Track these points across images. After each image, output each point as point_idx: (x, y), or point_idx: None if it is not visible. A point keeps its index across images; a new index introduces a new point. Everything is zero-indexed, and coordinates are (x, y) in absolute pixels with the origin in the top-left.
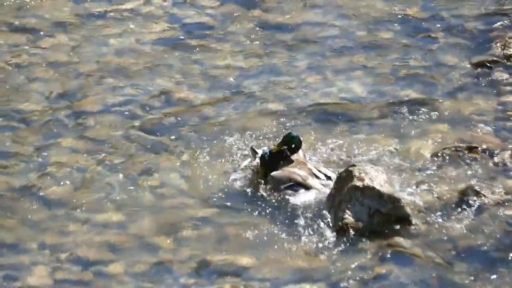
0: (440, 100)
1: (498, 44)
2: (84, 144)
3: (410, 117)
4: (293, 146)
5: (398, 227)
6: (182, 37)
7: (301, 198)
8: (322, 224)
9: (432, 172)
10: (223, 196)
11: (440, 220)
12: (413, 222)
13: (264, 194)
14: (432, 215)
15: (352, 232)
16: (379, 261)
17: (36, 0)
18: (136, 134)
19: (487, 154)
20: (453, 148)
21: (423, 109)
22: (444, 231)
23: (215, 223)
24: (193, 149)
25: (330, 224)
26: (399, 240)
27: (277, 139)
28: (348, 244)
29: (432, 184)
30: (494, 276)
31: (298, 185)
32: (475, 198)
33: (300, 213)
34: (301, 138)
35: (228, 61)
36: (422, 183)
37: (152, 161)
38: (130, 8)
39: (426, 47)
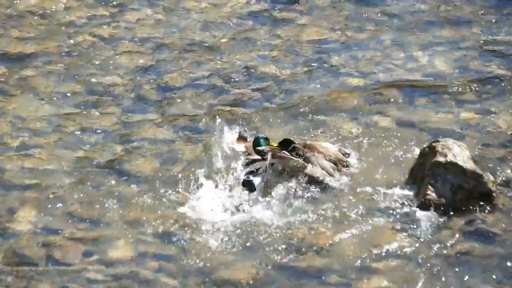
0: None
1: None
2: (168, 119)
3: (494, 93)
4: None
5: (481, 203)
6: (266, 11)
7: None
8: (405, 201)
9: None
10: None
11: None
12: (496, 198)
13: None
14: None
15: (434, 208)
16: (461, 238)
17: None
18: (220, 109)
19: None
20: None
21: (507, 85)
22: None
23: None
24: (276, 124)
25: (413, 200)
26: (481, 216)
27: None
28: (430, 220)
29: None
30: None
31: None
32: None
33: (382, 190)
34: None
35: (312, 35)
36: (505, 159)
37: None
38: None
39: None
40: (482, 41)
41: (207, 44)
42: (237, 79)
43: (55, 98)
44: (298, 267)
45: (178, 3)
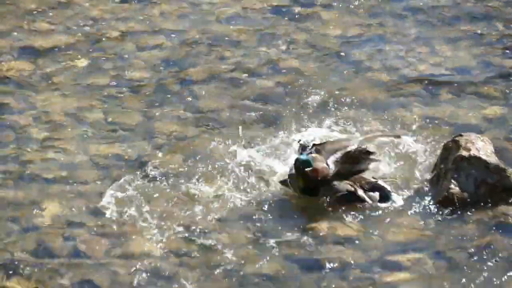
0: None
1: None
2: (192, 113)
3: None
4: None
5: (504, 197)
6: (290, 5)
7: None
8: (428, 195)
9: None
10: None
11: None
12: None
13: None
14: None
15: (457, 202)
16: (484, 232)
17: None
18: (244, 103)
19: None
20: None
21: None
22: None
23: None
24: (301, 118)
25: (436, 195)
26: (504, 210)
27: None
28: (453, 215)
29: None
30: None
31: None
32: None
33: (405, 184)
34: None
35: (335, 30)
36: None
37: (261, 130)
38: None
39: None
40: (506, 36)
41: (230, 38)
42: (260, 73)
43: (79, 92)
44: (321, 262)
45: None
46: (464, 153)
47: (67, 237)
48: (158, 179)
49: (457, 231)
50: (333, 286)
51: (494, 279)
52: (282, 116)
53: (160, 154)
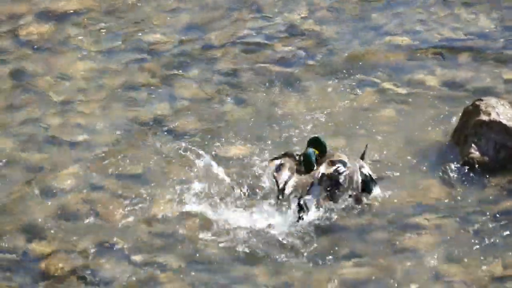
0: None
1: None
2: (211, 77)
3: None
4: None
5: None
6: None
7: None
8: (448, 159)
9: None
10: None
11: None
12: None
13: None
14: None
15: (478, 166)
16: (504, 196)
17: None
18: (263, 67)
19: None
20: None
21: None
22: None
23: None
24: (320, 82)
25: (456, 159)
26: None
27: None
28: (474, 179)
29: None
30: None
31: None
32: None
33: (425, 149)
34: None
35: None
36: None
37: (280, 94)
38: None
39: None
40: None
41: (251, 2)
42: (280, 36)
43: (99, 56)
44: (343, 225)
45: None
46: (484, 117)
47: (87, 200)
48: (177, 141)
49: (477, 195)
50: (353, 249)
51: None
52: (302, 80)
53: (179, 117)
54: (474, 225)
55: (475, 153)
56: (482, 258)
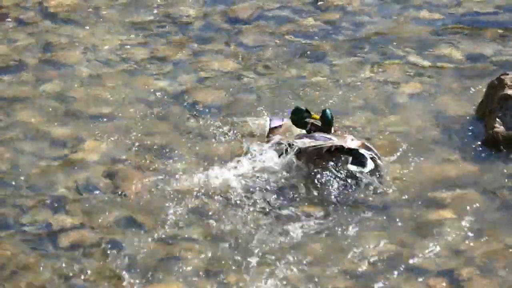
0: None
1: None
2: (237, 50)
3: None
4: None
5: None
6: None
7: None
8: (472, 133)
9: None
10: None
11: None
12: None
13: None
14: None
15: (502, 140)
16: None
17: None
18: (289, 40)
19: None
20: None
21: None
22: None
23: None
24: (346, 56)
25: (481, 133)
26: None
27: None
28: (498, 153)
29: None
30: None
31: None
32: None
33: (449, 123)
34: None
35: None
36: None
37: (305, 67)
38: None
39: None
40: None
41: None
42: (306, 11)
43: (125, 28)
44: (365, 201)
45: None
46: (510, 91)
47: (111, 173)
48: (202, 115)
49: (501, 170)
50: (375, 225)
51: None
52: (327, 53)
53: (204, 90)
54: (497, 200)
55: (499, 127)
56: (504, 233)
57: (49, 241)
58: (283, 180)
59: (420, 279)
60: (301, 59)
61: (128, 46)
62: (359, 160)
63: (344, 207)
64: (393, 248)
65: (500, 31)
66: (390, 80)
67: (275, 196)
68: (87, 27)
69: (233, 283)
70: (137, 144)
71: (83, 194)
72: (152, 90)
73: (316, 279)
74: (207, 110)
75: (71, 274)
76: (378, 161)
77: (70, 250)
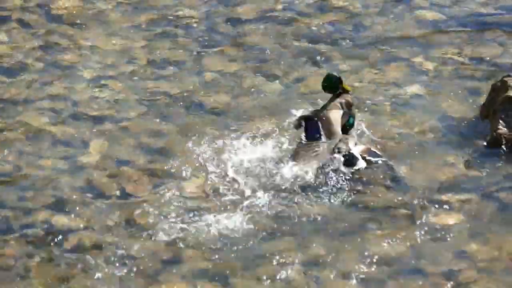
0: None
1: None
2: (239, 51)
3: None
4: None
5: None
6: None
7: None
8: (475, 135)
9: None
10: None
11: None
12: None
13: None
14: None
15: (505, 142)
16: None
17: None
18: (292, 42)
19: None
20: None
21: None
22: None
23: None
24: (349, 56)
25: (484, 135)
26: None
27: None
28: (501, 155)
29: None
30: None
31: None
32: None
33: (452, 124)
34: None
35: None
36: None
37: (308, 69)
38: None
39: None
40: None
41: None
42: (309, 12)
43: (127, 30)
44: (365, 202)
45: None
46: None
47: (114, 175)
48: (204, 116)
49: (505, 172)
50: (377, 225)
51: None
52: (330, 55)
53: (206, 92)
54: (499, 202)
55: (502, 129)
56: (508, 235)
57: (51, 243)
58: (285, 182)
59: (423, 281)
60: (305, 61)
61: (131, 48)
62: (351, 160)
63: (347, 209)
64: (395, 249)
65: (504, 32)
66: (392, 81)
67: (277, 197)
68: (90, 29)
69: (236, 285)
70: (139, 145)
71: (86, 195)
72: (155, 91)
73: (319, 281)
74: (210, 112)
75: (73, 277)
76: (389, 162)
77: (73, 252)
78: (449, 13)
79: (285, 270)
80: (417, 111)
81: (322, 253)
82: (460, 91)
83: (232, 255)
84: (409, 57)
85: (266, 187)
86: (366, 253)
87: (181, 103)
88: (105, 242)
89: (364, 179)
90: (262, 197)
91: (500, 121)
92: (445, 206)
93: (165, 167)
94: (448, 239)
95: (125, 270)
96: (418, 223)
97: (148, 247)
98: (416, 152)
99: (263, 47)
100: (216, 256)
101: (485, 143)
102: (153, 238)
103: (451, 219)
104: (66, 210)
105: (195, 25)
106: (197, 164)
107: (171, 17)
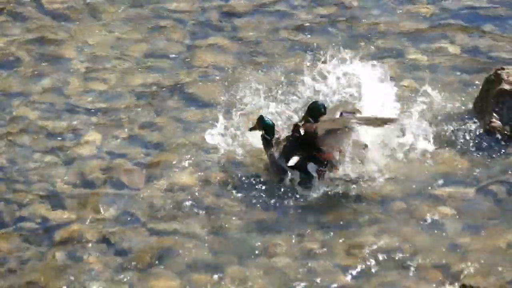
0: None
1: None
2: (232, 44)
3: None
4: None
5: None
6: None
7: None
8: (469, 128)
9: None
10: None
11: None
12: None
13: None
14: None
15: (499, 135)
16: None
17: None
18: (286, 34)
19: None
20: None
21: None
22: None
23: None
24: (343, 49)
25: (477, 128)
26: None
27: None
28: (494, 148)
29: None
30: None
31: None
32: None
33: (446, 117)
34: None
35: None
36: None
37: (299, 61)
38: None
39: None
40: None
41: None
42: (302, 5)
43: (120, 23)
44: (363, 195)
45: None
46: (506, 86)
47: (108, 168)
48: (198, 108)
49: (499, 165)
50: (372, 218)
51: None
52: (323, 48)
53: (200, 84)
54: (493, 195)
55: (496, 122)
56: (501, 228)
57: (45, 236)
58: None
59: (418, 274)
60: (298, 54)
61: (124, 41)
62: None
63: (343, 203)
64: (391, 243)
65: (496, 26)
66: (386, 75)
67: (273, 191)
68: (83, 22)
69: (232, 277)
70: (134, 138)
71: (80, 188)
72: (148, 84)
73: (315, 274)
74: (203, 104)
75: (66, 270)
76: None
77: (67, 245)
78: (442, 7)
79: (279, 262)
80: (410, 104)
81: (316, 246)
82: (453, 84)
83: (226, 247)
84: (402, 50)
85: (259, 179)
86: (359, 246)
87: (175, 96)
88: (100, 234)
89: (358, 172)
90: (256, 190)
91: (494, 114)
92: (439, 199)
93: (159, 159)
94: (442, 232)
95: (119, 262)
96: (412, 216)
97: (143, 239)
98: (409, 146)
99: (256, 40)
100: (212, 249)
101: (479, 136)
102: (148, 231)
103: (444, 212)
104: (60, 202)
105: (187, 18)
106: (190, 156)
107: (164, 10)
